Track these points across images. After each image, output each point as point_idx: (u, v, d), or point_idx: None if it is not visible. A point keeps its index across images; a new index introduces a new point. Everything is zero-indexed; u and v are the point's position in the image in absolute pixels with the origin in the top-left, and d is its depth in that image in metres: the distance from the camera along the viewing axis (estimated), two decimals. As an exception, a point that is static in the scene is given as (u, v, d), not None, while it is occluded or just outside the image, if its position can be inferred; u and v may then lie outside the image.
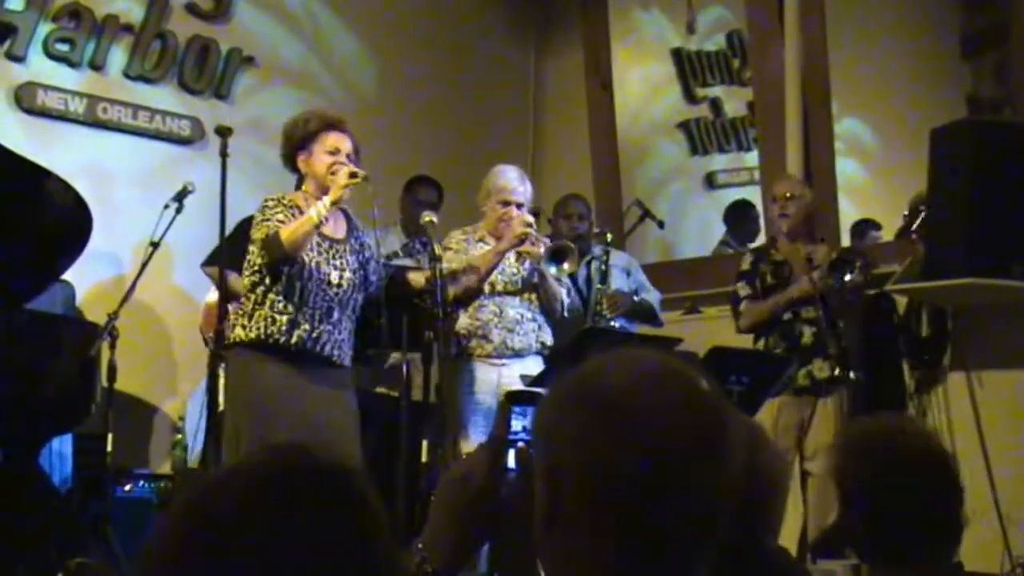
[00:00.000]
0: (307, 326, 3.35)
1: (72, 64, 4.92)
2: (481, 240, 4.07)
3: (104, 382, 3.94)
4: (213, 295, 4.51)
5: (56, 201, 3.79)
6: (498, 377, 3.89)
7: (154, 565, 0.82)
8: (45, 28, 4.87)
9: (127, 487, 4.41)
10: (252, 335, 3.33)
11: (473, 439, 3.79)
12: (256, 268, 3.38)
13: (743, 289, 4.45)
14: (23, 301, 3.81)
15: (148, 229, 4.02)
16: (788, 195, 4.44)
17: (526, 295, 4.03)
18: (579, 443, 0.98)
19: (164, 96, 5.14)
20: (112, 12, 5.01)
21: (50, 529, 3.71)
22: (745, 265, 4.52)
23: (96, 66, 4.98)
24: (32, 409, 3.68)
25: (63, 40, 4.91)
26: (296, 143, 3.46)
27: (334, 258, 3.44)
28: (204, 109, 5.19)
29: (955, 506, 1.55)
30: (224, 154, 3.38)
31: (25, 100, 4.79)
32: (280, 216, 3.33)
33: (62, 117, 4.87)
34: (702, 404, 0.99)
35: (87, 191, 3.93)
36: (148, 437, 4.83)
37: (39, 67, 4.86)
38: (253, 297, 3.38)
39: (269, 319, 3.34)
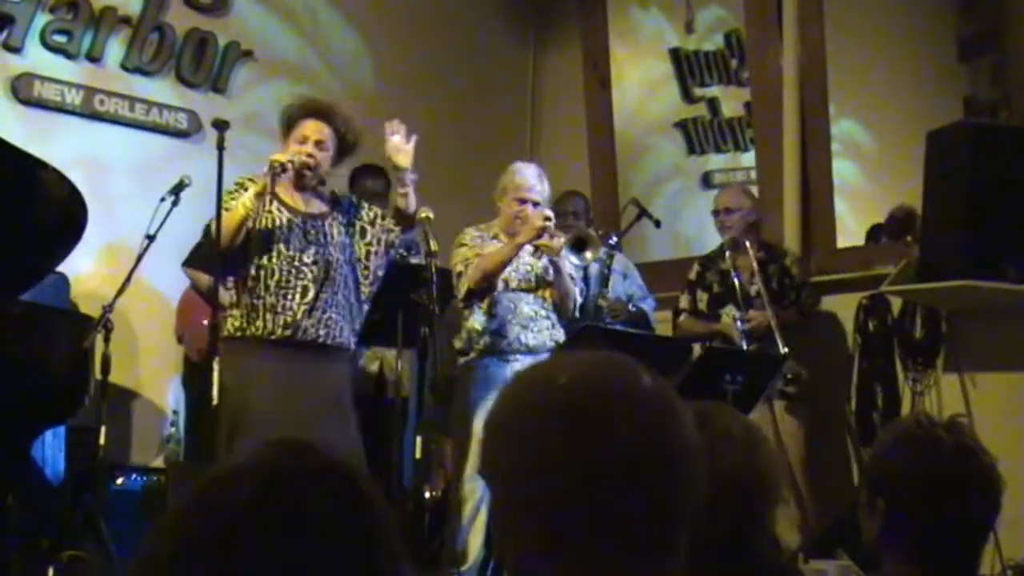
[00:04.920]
0: (284, 311, 3.32)
1: (69, 55, 4.91)
2: (495, 237, 4.06)
3: (98, 375, 3.94)
4: (189, 293, 4.53)
5: (52, 193, 3.78)
6: (510, 373, 3.88)
7: (159, 561, 0.82)
8: (42, 19, 4.86)
9: (119, 480, 4.41)
10: (235, 328, 3.31)
11: (479, 435, 3.78)
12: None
13: (683, 300, 4.55)
14: (17, 292, 3.81)
15: (144, 222, 4.00)
16: (726, 208, 4.51)
17: (540, 292, 4.02)
18: (525, 440, 0.99)
19: (161, 89, 5.13)
20: (110, 4, 5.00)
21: (42, 522, 3.70)
22: (692, 275, 4.60)
23: (93, 58, 4.97)
24: (25, 401, 3.67)
25: (60, 31, 4.90)
26: (285, 129, 3.52)
27: (308, 234, 3.40)
28: (201, 102, 5.18)
29: (982, 511, 1.53)
30: (221, 148, 3.36)
31: (22, 91, 4.78)
32: (226, 201, 3.35)
33: (58, 108, 4.86)
34: (646, 395, 1.00)
35: (83, 183, 3.92)
36: (141, 430, 4.82)
37: (36, 58, 4.85)
38: (234, 289, 3.38)
39: (250, 310, 3.32)
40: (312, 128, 3.45)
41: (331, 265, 3.41)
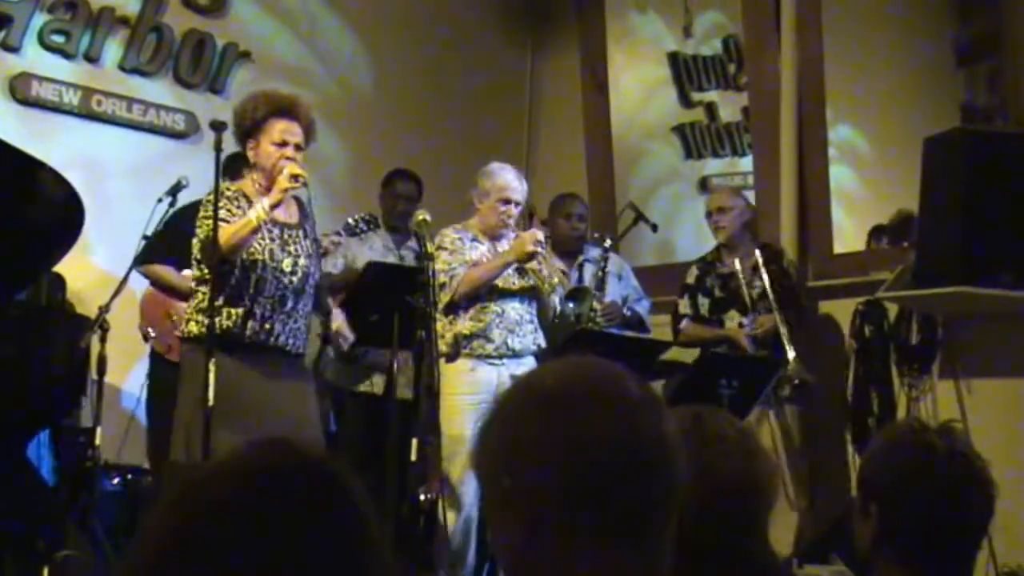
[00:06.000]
0: (261, 317, 3.32)
1: (67, 55, 4.92)
2: (475, 239, 4.08)
3: (94, 375, 3.93)
4: (150, 290, 4.49)
5: (49, 193, 3.78)
6: (497, 377, 3.92)
7: (143, 562, 0.82)
8: (41, 19, 4.86)
9: (115, 480, 4.40)
10: (220, 329, 3.23)
11: (468, 438, 3.80)
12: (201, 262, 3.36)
13: (684, 306, 4.54)
14: (14, 293, 3.80)
15: (140, 222, 4.01)
16: (719, 207, 4.52)
17: (523, 296, 4.06)
18: (511, 437, 1.04)
19: (159, 89, 5.14)
20: (108, 4, 5.00)
21: (37, 522, 3.69)
22: (690, 279, 4.59)
23: (91, 58, 4.97)
24: (20, 401, 3.67)
25: (58, 31, 4.90)
26: (245, 130, 3.41)
27: (287, 244, 3.39)
28: (199, 103, 5.19)
29: (975, 515, 1.54)
30: (218, 149, 3.35)
31: (19, 91, 4.79)
32: (223, 212, 3.28)
33: (56, 109, 4.86)
34: (625, 395, 1.05)
35: (80, 183, 3.90)
36: (137, 431, 4.82)
37: (34, 58, 4.85)
38: (204, 290, 3.31)
39: (224, 312, 3.29)
40: (288, 130, 3.38)
41: (307, 276, 3.42)
